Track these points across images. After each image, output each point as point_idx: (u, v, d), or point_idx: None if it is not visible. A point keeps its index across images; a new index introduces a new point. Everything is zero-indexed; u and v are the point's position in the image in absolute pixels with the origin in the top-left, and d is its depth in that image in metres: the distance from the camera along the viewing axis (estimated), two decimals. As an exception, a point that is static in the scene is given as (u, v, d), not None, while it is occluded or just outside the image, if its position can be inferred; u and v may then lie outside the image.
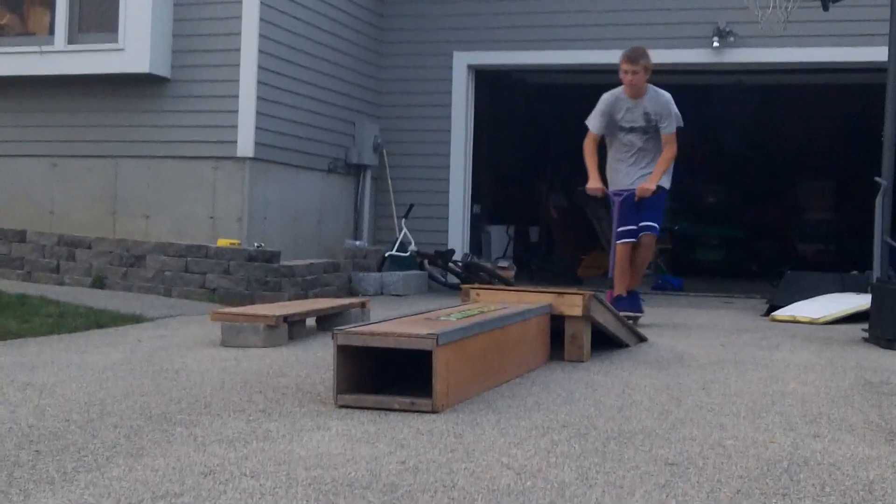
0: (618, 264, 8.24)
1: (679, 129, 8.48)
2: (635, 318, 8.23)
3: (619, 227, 8.27)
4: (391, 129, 13.30)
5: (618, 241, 8.25)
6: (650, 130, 8.33)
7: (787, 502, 3.19)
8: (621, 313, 7.28)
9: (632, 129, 8.34)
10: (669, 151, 8.34)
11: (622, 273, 8.26)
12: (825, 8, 10.20)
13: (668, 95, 8.39)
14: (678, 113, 8.39)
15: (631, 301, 8.41)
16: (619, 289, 8.28)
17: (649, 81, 8.37)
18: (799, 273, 11.45)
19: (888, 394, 5.28)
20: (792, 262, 15.90)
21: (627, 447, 3.87)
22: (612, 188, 8.48)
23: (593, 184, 8.39)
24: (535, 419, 4.36)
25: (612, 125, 8.43)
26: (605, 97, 8.39)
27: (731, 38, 12.27)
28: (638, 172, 8.38)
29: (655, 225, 8.31)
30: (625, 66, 8.16)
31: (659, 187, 8.34)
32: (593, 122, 8.44)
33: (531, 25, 12.96)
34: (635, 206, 8.27)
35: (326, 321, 7.61)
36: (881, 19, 10.23)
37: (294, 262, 10.40)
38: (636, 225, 8.21)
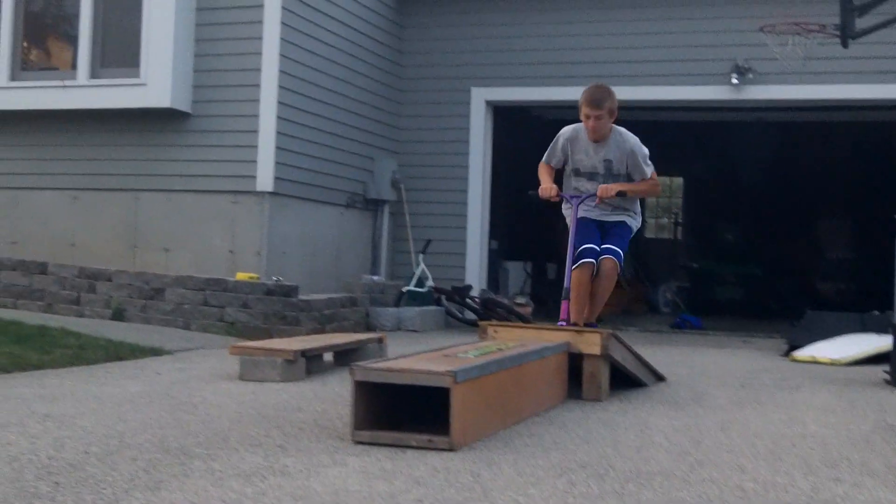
0: (573, 290, 6.98)
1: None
2: None
3: (578, 245, 7.05)
4: (409, 165, 13.34)
5: (575, 265, 6.98)
6: (609, 180, 7.12)
7: (806, 545, 3.17)
8: None
9: (590, 177, 7.20)
10: (652, 185, 7.37)
11: (579, 300, 7.01)
12: (844, 45, 10.21)
13: (634, 139, 7.20)
14: (646, 154, 7.21)
15: None
16: (575, 315, 6.96)
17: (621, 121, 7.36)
18: (819, 313, 11.42)
19: (908, 436, 5.24)
20: (812, 300, 15.85)
21: (646, 488, 3.85)
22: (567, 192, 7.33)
23: (545, 183, 7.23)
24: (553, 459, 4.35)
25: (566, 166, 7.36)
26: (565, 131, 7.24)
27: (750, 75, 12.28)
28: (595, 209, 7.25)
29: (619, 251, 7.09)
30: (586, 110, 6.96)
31: (624, 223, 7.26)
32: (548, 153, 7.36)
33: (549, 62, 13.00)
34: (598, 228, 7.19)
35: (344, 356, 7.61)
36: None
37: (312, 297, 10.42)
38: (598, 246, 7.05)
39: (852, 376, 8.08)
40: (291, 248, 11.06)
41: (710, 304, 17.12)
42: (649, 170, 7.20)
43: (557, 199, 7.23)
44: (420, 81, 13.53)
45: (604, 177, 7.11)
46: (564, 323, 6.80)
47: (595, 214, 7.22)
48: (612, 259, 7.03)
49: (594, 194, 7.06)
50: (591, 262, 7.00)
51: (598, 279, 7.08)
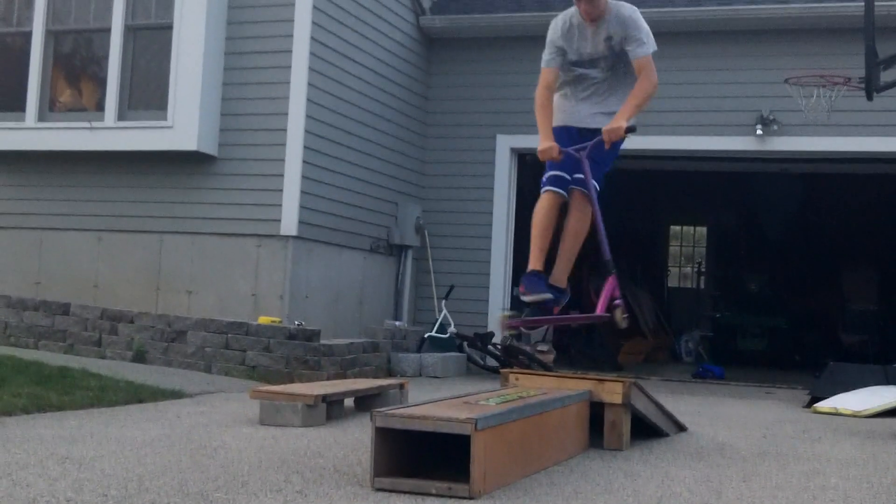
0: (535, 222, 6.24)
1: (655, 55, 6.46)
2: (539, 303, 6.25)
3: (549, 170, 6.34)
4: (433, 210, 13.38)
5: (542, 188, 6.34)
6: (616, 62, 6.39)
7: None
8: (522, 292, 6.12)
9: (592, 63, 6.42)
10: (647, 80, 6.33)
11: (539, 235, 6.21)
12: (869, 97, 10.19)
13: (632, 7, 6.38)
14: (649, 30, 6.37)
15: (534, 281, 6.24)
16: (533, 261, 6.20)
17: None
18: (841, 364, 11.34)
19: (933, 491, 5.19)
20: (835, 352, 15.75)
21: (666, 539, 3.81)
22: (556, 125, 6.51)
23: (545, 144, 6.29)
24: (573, 508, 4.32)
25: (565, 62, 6.49)
26: (555, 22, 6.46)
27: (775, 127, 12.28)
28: (593, 108, 6.51)
29: (593, 182, 6.24)
30: None
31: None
32: (546, 55, 6.47)
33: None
34: (575, 150, 6.33)
35: (365, 402, 7.59)
36: (926, 110, 10.24)
37: (334, 342, 10.43)
38: (570, 175, 6.28)
39: (874, 428, 8.01)
40: (314, 291, 11.08)
41: (733, 355, 17.03)
42: (646, 46, 6.29)
43: (560, 158, 6.28)
44: (446, 128, 13.60)
45: (607, 59, 6.35)
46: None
47: (584, 114, 6.46)
48: (578, 191, 6.24)
49: (600, 140, 6.23)
50: (558, 193, 6.26)
51: (569, 216, 6.32)
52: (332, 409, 7.02)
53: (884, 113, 11.51)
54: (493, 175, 13.36)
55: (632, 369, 13.53)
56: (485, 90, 13.50)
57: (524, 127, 13.22)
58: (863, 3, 10.06)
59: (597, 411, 6.16)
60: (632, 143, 12.85)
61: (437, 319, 12.40)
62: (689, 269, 23.47)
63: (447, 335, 12.20)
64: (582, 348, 15.43)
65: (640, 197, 19.67)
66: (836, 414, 9.16)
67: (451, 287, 12.68)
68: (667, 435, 6.86)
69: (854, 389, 9.96)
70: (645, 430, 6.64)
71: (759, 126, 12.30)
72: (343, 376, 10.01)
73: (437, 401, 5.35)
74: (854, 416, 9.07)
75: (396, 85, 12.75)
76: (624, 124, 6.17)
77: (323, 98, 11.09)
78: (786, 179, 17.66)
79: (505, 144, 13.37)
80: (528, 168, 14.32)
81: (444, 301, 12.59)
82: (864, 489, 5.14)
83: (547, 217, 6.19)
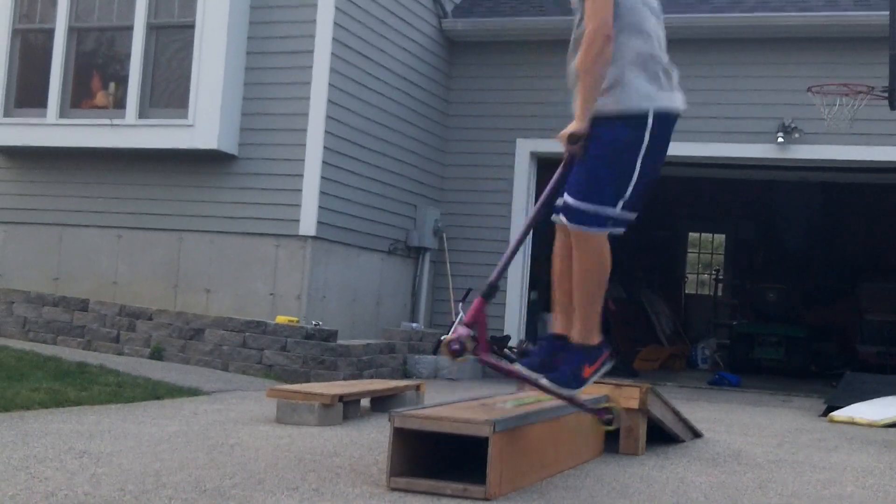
0: (553, 275, 4.94)
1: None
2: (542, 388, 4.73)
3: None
4: (452, 213, 13.38)
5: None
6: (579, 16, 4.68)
7: None
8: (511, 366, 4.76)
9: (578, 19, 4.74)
10: (582, 52, 4.56)
11: (555, 286, 4.92)
12: (892, 107, 10.18)
13: None
14: None
15: (541, 353, 4.84)
16: (560, 327, 4.89)
17: None
18: (858, 374, 11.32)
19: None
20: (852, 363, 15.69)
21: (682, 545, 3.81)
22: None
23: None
24: (589, 512, 4.32)
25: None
26: None
27: (796, 135, 12.24)
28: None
29: (576, 205, 4.57)
30: None
31: (598, 136, 4.59)
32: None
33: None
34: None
35: (381, 402, 7.61)
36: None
37: (351, 342, 10.44)
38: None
39: (891, 438, 7.99)
40: (332, 292, 11.09)
41: (750, 363, 16.98)
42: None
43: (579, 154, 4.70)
44: (466, 131, 13.60)
45: (578, 10, 4.70)
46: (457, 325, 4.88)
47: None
48: (573, 228, 4.61)
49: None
50: (559, 221, 4.74)
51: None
52: (348, 409, 7.03)
53: (907, 123, 11.47)
54: (513, 179, 13.35)
55: (648, 376, 13.50)
56: (505, 94, 13.48)
57: (543, 131, 13.21)
58: (888, 13, 10.06)
59: (613, 416, 6.16)
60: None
61: (453, 322, 12.37)
62: (706, 277, 23.43)
63: (463, 338, 12.17)
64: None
65: (658, 204, 19.61)
66: (853, 423, 9.13)
67: (469, 290, 12.49)
68: (683, 441, 6.86)
69: (870, 399, 9.94)
70: (661, 437, 6.63)
71: (780, 134, 12.26)
72: (359, 377, 10.03)
73: (453, 403, 5.35)
74: (870, 425, 9.04)
75: (417, 87, 12.76)
76: (569, 130, 4.65)
77: (343, 99, 11.11)
78: (806, 188, 17.61)
79: (525, 149, 13.36)
80: (546, 172, 14.32)
81: (460, 304, 12.47)
82: (881, 498, 5.12)
83: (557, 259, 4.86)
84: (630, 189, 4.60)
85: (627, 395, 6.12)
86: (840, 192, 18.08)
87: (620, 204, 4.60)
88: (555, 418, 5.25)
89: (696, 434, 7.17)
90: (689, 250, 23.19)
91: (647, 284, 18.96)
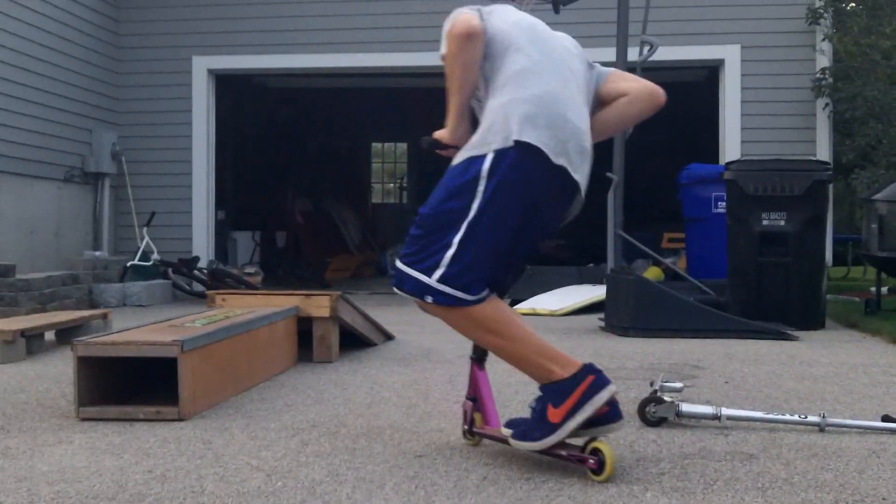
0: None
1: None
2: None
3: None
4: (131, 136, 13.01)
5: None
6: None
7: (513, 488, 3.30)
8: None
9: None
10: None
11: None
12: (556, 11, 10.53)
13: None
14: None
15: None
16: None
17: None
18: (539, 267, 11.83)
19: (624, 378, 5.53)
20: (533, 257, 16.40)
21: (377, 442, 3.92)
22: None
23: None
24: (285, 421, 4.36)
25: None
26: None
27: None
28: None
29: (403, 269, 3.74)
30: None
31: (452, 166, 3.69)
32: None
33: (272, 30, 12.92)
34: None
35: (67, 334, 7.37)
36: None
37: (31, 276, 10.03)
38: None
39: (571, 325, 8.46)
40: (6, 225, 10.60)
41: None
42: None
43: None
44: (140, 51, 13.17)
45: None
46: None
47: None
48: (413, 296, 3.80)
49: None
50: None
51: None
52: (31, 343, 6.78)
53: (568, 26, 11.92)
54: (191, 97, 13.07)
55: (340, 285, 13.67)
56: (179, 10, 13.14)
57: (221, 48, 13.02)
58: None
59: (306, 326, 6.23)
60: (328, 61, 13.02)
61: (139, 247, 12.11)
62: (392, 186, 23.85)
63: (150, 263, 11.95)
64: (289, 269, 15.49)
65: (340, 115, 19.76)
66: (534, 314, 9.59)
67: (153, 214, 12.40)
68: (376, 344, 7.03)
69: (551, 290, 10.46)
70: (354, 342, 6.77)
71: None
72: (43, 311, 9.65)
73: (142, 326, 5.26)
74: (551, 315, 9.53)
75: (83, 6, 12.22)
76: (445, 137, 3.90)
77: (1, 20, 10.52)
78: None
79: (202, 66, 13.09)
80: (227, 89, 14.12)
81: (145, 228, 12.30)
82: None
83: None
84: None
85: (318, 304, 6.20)
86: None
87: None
88: (246, 332, 5.25)
89: (388, 337, 7.35)
90: (374, 160, 23.50)
91: (334, 195, 19.10)
